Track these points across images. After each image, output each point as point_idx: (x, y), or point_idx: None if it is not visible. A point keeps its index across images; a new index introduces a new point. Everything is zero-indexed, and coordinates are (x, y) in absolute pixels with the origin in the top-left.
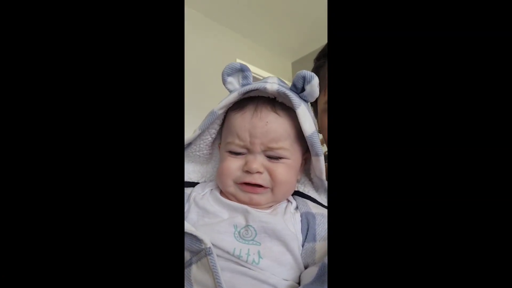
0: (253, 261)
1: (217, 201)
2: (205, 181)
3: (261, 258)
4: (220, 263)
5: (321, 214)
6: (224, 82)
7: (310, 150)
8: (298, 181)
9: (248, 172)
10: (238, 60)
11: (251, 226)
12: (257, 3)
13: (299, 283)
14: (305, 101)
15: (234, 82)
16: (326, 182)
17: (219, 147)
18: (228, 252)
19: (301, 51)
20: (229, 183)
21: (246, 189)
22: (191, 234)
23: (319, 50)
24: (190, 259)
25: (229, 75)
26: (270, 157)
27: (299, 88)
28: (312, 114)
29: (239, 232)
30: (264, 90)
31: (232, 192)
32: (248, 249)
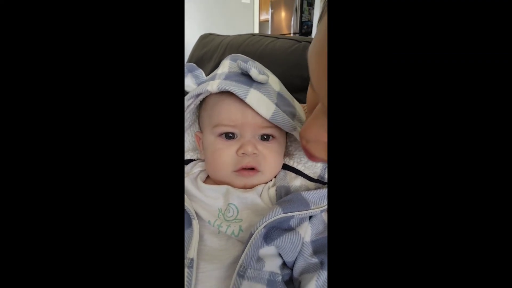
0: (232, 232)
1: (199, 187)
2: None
3: (242, 231)
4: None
5: (295, 187)
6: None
7: (285, 130)
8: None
9: (244, 154)
10: None
11: (231, 204)
12: None
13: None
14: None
15: (190, 83)
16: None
17: (197, 136)
18: (208, 222)
19: None
20: (226, 173)
21: (243, 174)
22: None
23: None
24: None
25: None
26: (262, 138)
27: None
28: (270, 92)
29: (223, 214)
30: (208, 93)
31: (226, 181)
32: (229, 225)
